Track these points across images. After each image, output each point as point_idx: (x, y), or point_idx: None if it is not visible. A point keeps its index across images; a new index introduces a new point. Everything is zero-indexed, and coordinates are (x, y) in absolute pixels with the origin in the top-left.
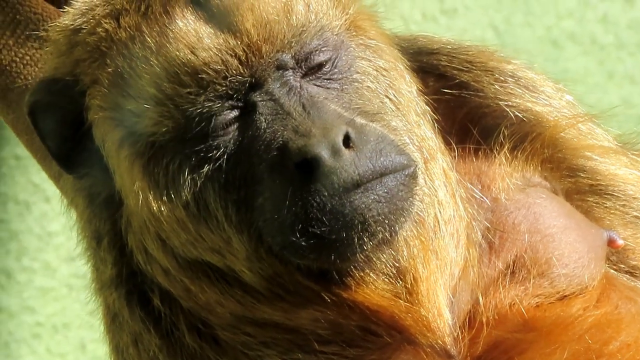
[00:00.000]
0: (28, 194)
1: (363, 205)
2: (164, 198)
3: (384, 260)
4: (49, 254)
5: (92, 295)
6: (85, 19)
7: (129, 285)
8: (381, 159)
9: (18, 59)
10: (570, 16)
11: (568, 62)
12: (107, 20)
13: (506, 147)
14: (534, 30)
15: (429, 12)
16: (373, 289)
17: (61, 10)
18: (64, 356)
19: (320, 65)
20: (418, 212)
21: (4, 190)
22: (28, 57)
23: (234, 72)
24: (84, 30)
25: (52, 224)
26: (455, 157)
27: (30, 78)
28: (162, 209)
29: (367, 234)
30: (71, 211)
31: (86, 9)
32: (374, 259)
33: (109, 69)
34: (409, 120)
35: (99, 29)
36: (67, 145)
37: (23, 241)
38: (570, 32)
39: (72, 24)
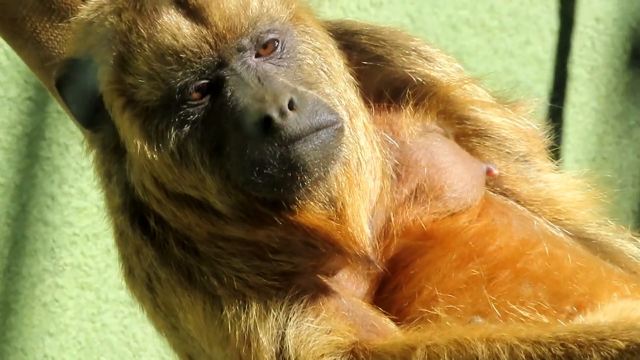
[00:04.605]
0: (67, 138)
1: (303, 152)
2: (155, 149)
3: (320, 192)
4: (83, 183)
5: (105, 215)
6: (95, 15)
7: (132, 211)
8: (317, 117)
9: (53, 38)
10: (465, 7)
11: (464, 41)
12: (111, 16)
13: (410, 103)
14: (438, 17)
15: (361, 5)
16: (312, 213)
17: (83, 2)
18: (94, 257)
19: (271, 47)
20: (345, 156)
21: (49, 136)
22: (60, 37)
23: (206, 54)
24: (95, 23)
25: (84, 161)
26: (372, 112)
27: (61, 53)
28: (154, 157)
29: (307, 174)
30: (89, 154)
31: (97, 7)
32: (312, 191)
33: (114, 53)
34: (338, 87)
35: (106, 22)
36: (85, 108)
37: (63, 173)
38: (465, 19)
39: (87, 18)
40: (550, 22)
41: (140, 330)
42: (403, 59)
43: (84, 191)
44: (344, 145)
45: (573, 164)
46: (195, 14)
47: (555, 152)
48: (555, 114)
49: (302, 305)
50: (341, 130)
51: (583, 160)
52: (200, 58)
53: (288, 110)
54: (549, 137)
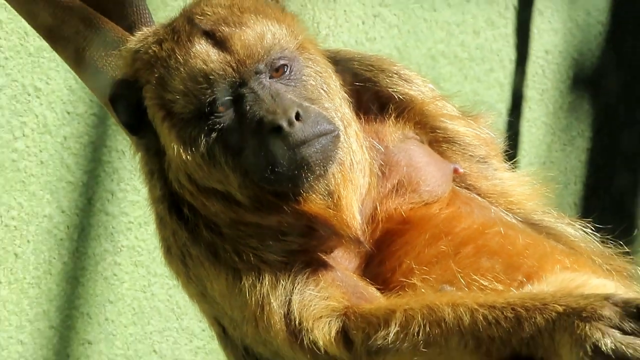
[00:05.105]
0: (123, 145)
1: (307, 155)
2: (189, 152)
3: (320, 186)
4: (136, 181)
5: (148, 205)
6: (141, 44)
7: (169, 201)
8: (318, 127)
9: (107, 64)
10: (442, 42)
11: (441, 69)
12: (154, 45)
13: (393, 116)
14: (420, 50)
15: (358, 40)
16: (314, 203)
17: (131, 34)
18: (145, 240)
19: (282, 71)
20: (340, 157)
21: (109, 144)
22: (113, 64)
23: (230, 75)
24: (141, 51)
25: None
26: (362, 123)
27: (114, 75)
28: (188, 158)
29: (310, 171)
30: (136, 156)
31: (142, 38)
32: (314, 185)
33: (156, 75)
34: (335, 103)
35: (150, 51)
36: (132, 119)
37: (121, 173)
38: (442, 51)
39: (134, 47)
40: (509, 54)
41: (182, 299)
42: (387, 80)
43: (137, 188)
44: (340, 149)
45: (527, 166)
46: (221, 44)
47: (512, 157)
48: (513, 127)
49: (305, 276)
50: (337, 137)
51: (535, 163)
52: (225, 79)
53: (295, 120)
54: (505, 143)
